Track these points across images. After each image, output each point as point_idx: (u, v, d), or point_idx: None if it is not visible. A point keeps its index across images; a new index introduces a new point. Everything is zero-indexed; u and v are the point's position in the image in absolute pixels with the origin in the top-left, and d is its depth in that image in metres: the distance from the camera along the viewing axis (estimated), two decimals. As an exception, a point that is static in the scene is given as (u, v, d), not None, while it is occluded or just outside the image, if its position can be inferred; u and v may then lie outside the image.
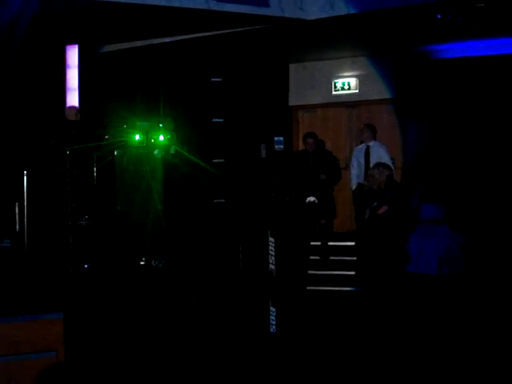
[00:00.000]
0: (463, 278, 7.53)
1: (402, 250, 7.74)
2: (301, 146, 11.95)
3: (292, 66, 11.93)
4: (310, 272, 9.81)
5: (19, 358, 4.87)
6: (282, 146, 11.64)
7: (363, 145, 10.19)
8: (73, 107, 9.11)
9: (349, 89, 11.59)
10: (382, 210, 8.06)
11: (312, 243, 10.16)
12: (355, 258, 9.38)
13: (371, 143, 10.06)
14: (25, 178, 8.19)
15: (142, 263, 8.40)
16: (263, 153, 11.44)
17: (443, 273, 7.45)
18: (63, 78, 9.61)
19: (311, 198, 9.81)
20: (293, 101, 11.95)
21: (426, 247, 7.65)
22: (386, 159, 9.92)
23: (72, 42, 9.65)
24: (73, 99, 9.57)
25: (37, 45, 9.11)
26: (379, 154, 9.93)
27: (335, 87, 11.68)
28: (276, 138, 11.62)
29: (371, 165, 9.88)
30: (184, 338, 6.64)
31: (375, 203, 8.19)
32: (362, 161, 10.03)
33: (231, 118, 10.81)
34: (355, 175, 10.19)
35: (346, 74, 11.61)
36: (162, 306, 7.52)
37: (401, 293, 7.46)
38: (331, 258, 10.03)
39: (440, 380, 5.55)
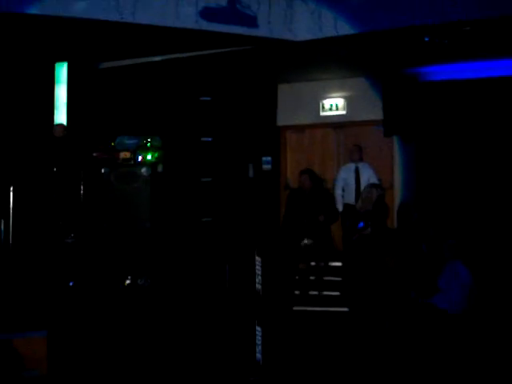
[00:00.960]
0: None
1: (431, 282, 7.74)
2: (289, 166, 12.01)
3: (280, 87, 11.96)
4: (296, 292, 9.76)
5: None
6: (269, 166, 11.65)
7: (351, 164, 10.21)
8: (60, 124, 9.09)
9: (337, 109, 11.64)
10: (366, 232, 8.10)
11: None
12: (340, 279, 9.37)
13: (360, 164, 10.11)
14: (11, 193, 8.16)
15: (127, 282, 8.35)
16: (251, 172, 11.45)
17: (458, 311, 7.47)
18: (52, 94, 9.61)
19: (307, 241, 9.25)
20: (281, 121, 11.97)
21: (453, 285, 7.71)
22: (374, 180, 9.99)
23: (61, 59, 9.66)
24: (61, 116, 9.57)
25: (26, 61, 9.13)
26: (368, 174, 9.98)
27: (323, 108, 11.73)
28: (264, 158, 11.64)
29: (361, 185, 9.93)
30: (168, 358, 6.59)
31: (361, 223, 8.21)
32: (352, 181, 10.02)
33: (220, 137, 10.82)
34: (340, 196, 10.20)
35: (334, 94, 11.66)
36: (146, 325, 7.47)
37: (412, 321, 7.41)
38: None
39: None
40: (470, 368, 6.07)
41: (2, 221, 8.10)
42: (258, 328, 6.73)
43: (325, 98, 11.71)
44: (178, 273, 8.79)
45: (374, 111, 11.07)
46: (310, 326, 8.63)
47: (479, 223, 9.87)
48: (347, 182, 10.11)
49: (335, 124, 11.70)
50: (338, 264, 9.77)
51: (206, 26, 8.11)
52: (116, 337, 7.05)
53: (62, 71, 9.80)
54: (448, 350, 6.71)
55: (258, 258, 7.09)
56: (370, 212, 8.16)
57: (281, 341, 7.48)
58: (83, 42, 8.76)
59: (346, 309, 8.60)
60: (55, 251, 8.27)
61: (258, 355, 6.28)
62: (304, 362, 6.78)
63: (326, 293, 9.52)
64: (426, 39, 8.54)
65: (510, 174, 10.05)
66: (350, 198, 10.04)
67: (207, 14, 8.11)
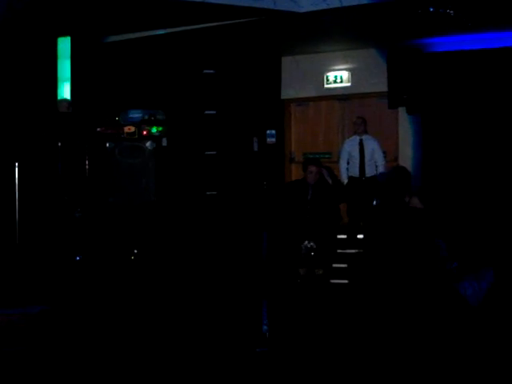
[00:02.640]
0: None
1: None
2: (293, 140, 11.96)
3: (284, 59, 11.91)
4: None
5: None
6: (274, 140, 11.63)
7: (355, 137, 10.21)
8: (64, 100, 9.07)
9: (341, 82, 11.59)
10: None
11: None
12: (348, 251, 9.39)
13: (364, 136, 10.11)
14: (16, 169, 8.17)
15: (133, 256, 8.40)
16: (255, 146, 11.44)
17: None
18: (55, 69, 9.58)
19: (308, 244, 8.29)
20: (285, 94, 11.94)
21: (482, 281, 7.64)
22: (379, 153, 9.99)
23: (64, 34, 9.61)
24: (65, 91, 9.54)
25: (28, 36, 9.08)
26: (372, 147, 9.99)
27: (327, 80, 11.68)
28: (268, 131, 11.61)
29: (366, 157, 9.93)
30: (175, 333, 6.63)
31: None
32: (356, 154, 10.04)
33: (223, 111, 10.79)
34: (345, 168, 10.20)
35: (338, 67, 11.61)
36: (152, 299, 7.52)
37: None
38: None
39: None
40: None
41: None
42: (264, 301, 6.76)
43: (329, 71, 11.66)
44: (184, 246, 8.83)
45: (378, 83, 11.01)
46: (316, 297, 8.64)
47: (488, 200, 9.85)
48: (352, 155, 10.11)
49: (340, 96, 11.66)
50: (344, 237, 9.79)
51: (209, -1, 8.06)
52: (122, 311, 7.09)
53: (65, 46, 9.76)
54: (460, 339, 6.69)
55: (264, 233, 7.11)
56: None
57: (286, 313, 7.52)
58: (86, 15, 8.70)
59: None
60: (62, 226, 8.29)
61: (265, 327, 6.31)
62: (309, 334, 6.81)
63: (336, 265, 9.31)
64: (431, 9, 8.47)
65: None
66: (355, 171, 10.06)
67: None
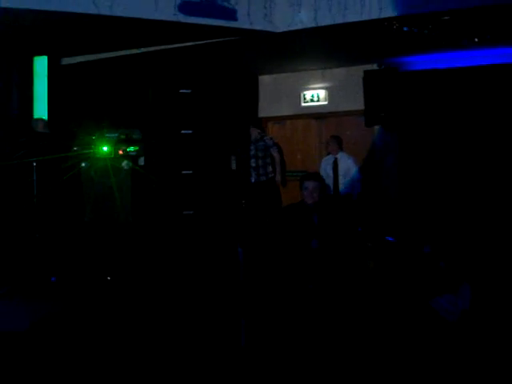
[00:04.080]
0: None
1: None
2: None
3: (262, 78, 11.98)
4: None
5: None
6: (252, 158, 11.65)
7: (330, 156, 10.28)
8: (40, 119, 9.05)
9: (318, 100, 11.67)
10: None
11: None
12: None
13: (338, 155, 10.17)
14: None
15: (109, 278, 8.33)
16: (233, 164, 11.46)
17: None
18: (31, 89, 9.55)
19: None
20: (262, 112, 12.00)
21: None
22: (353, 170, 10.04)
23: (40, 53, 9.60)
24: (41, 111, 9.51)
25: (4, 55, 9.06)
26: (347, 165, 10.04)
27: (304, 99, 11.75)
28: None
29: (339, 176, 10.01)
30: (152, 349, 6.58)
31: None
32: (330, 172, 10.11)
33: (200, 130, 10.80)
34: None
35: (315, 85, 11.69)
36: (128, 318, 7.46)
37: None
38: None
39: None
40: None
41: None
42: (242, 319, 6.72)
43: (306, 89, 11.74)
44: (161, 265, 8.79)
45: (355, 101, 11.10)
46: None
47: (466, 214, 9.91)
48: (327, 174, 10.18)
49: (317, 115, 11.73)
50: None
51: (184, 19, 8.07)
52: (98, 331, 7.03)
53: (42, 65, 9.75)
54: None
55: (239, 250, 7.08)
56: None
57: (264, 331, 7.48)
58: (62, 35, 8.69)
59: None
60: (37, 246, 8.23)
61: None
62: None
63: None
64: (405, 29, 8.55)
65: (495, 162, 10.11)
66: (329, 190, 10.12)
67: (185, 7, 8.07)
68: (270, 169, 10.40)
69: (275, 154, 10.50)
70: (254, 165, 10.57)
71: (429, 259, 7.14)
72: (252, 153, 10.53)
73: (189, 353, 6.29)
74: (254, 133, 10.54)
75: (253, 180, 10.48)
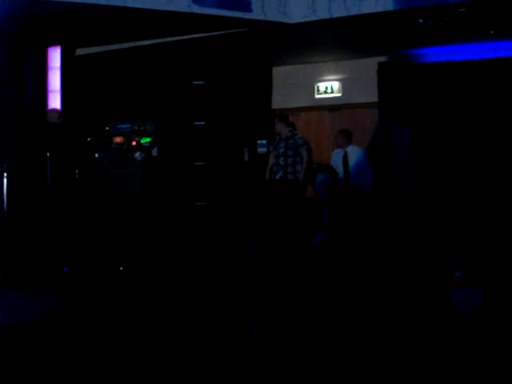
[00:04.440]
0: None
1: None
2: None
3: (275, 70, 11.95)
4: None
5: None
6: (265, 149, 11.65)
7: (340, 149, 10.16)
8: (54, 110, 9.07)
9: (332, 92, 11.63)
10: None
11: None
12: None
13: (348, 148, 10.01)
14: (5, 180, 8.16)
15: (121, 268, 8.37)
16: (246, 156, 11.46)
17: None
18: (45, 79, 9.58)
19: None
20: (276, 104, 11.97)
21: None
22: (364, 164, 9.92)
23: (54, 44, 9.61)
24: (55, 101, 9.53)
25: (19, 46, 9.08)
26: (357, 158, 9.93)
27: (318, 90, 11.72)
28: (259, 142, 11.64)
29: (350, 170, 9.92)
30: (165, 342, 6.60)
31: None
32: (341, 166, 10.00)
33: (213, 121, 10.81)
34: None
35: (329, 77, 11.65)
36: (141, 309, 7.48)
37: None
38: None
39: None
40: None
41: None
42: (253, 310, 6.73)
43: (320, 81, 11.71)
44: (173, 256, 8.81)
45: (369, 93, 11.05)
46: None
47: (479, 209, 9.85)
48: (337, 167, 10.10)
49: (330, 107, 11.71)
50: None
51: (198, 10, 8.06)
52: (109, 320, 7.06)
53: (55, 56, 9.76)
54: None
55: (252, 242, 7.07)
56: None
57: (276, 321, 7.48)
58: (76, 26, 8.71)
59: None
60: (51, 236, 8.28)
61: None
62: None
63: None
64: (421, 21, 8.50)
65: (507, 156, 10.05)
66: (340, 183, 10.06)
67: (199, -2, 8.06)
68: (299, 168, 10.14)
69: (304, 154, 10.20)
70: (282, 163, 10.11)
71: (441, 254, 7.09)
72: (281, 151, 10.11)
73: (198, 346, 6.29)
74: (285, 130, 10.15)
75: (278, 177, 10.20)
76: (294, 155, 10.16)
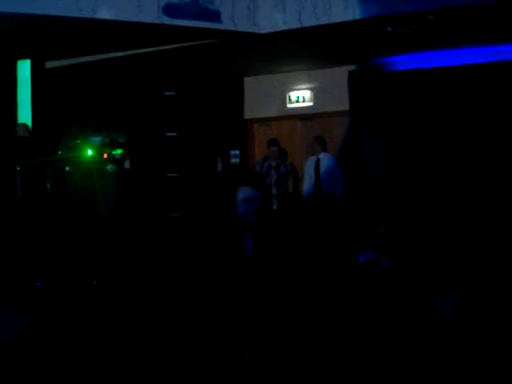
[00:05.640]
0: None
1: None
2: (257, 158, 11.92)
3: (247, 80, 11.96)
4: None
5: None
6: (238, 160, 11.66)
7: (314, 157, 10.24)
8: (22, 124, 8.99)
9: (303, 101, 11.66)
10: None
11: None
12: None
13: (321, 155, 10.11)
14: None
15: (95, 282, 8.28)
16: (219, 166, 11.44)
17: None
18: (14, 93, 9.50)
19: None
20: (248, 114, 11.98)
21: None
22: (335, 171, 10.00)
23: (24, 57, 9.54)
24: (24, 115, 9.46)
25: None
26: (329, 166, 10.00)
27: (290, 100, 11.74)
28: (232, 152, 11.63)
29: (321, 176, 9.98)
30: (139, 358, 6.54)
31: None
32: (313, 173, 10.07)
33: (185, 132, 10.77)
34: (307, 186, 10.23)
35: (300, 86, 11.68)
36: (119, 324, 7.42)
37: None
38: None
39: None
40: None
41: None
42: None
43: (291, 90, 11.72)
44: (146, 270, 8.74)
45: (340, 102, 11.09)
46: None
47: (450, 210, 9.92)
48: (310, 174, 10.16)
49: (302, 116, 11.72)
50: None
51: (168, 21, 8.04)
52: (85, 336, 6.98)
53: (25, 69, 9.68)
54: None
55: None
56: None
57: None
58: (45, 39, 8.64)
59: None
60: (23, 251, 8.18)
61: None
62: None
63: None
64: (389, 29, 8.56)
65: (480, 163, 10.13)
66: (313, 189, 10.10)
67: (170, 9, 8.03)
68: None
69: (291, 181, 10.11)
70: (275, 192, 9.93)
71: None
72: (274, 179, 9.96)
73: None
74: (277, 159, 10.05)
75: (274, 207, 10.00)
76: (285, 182, 10.09)
